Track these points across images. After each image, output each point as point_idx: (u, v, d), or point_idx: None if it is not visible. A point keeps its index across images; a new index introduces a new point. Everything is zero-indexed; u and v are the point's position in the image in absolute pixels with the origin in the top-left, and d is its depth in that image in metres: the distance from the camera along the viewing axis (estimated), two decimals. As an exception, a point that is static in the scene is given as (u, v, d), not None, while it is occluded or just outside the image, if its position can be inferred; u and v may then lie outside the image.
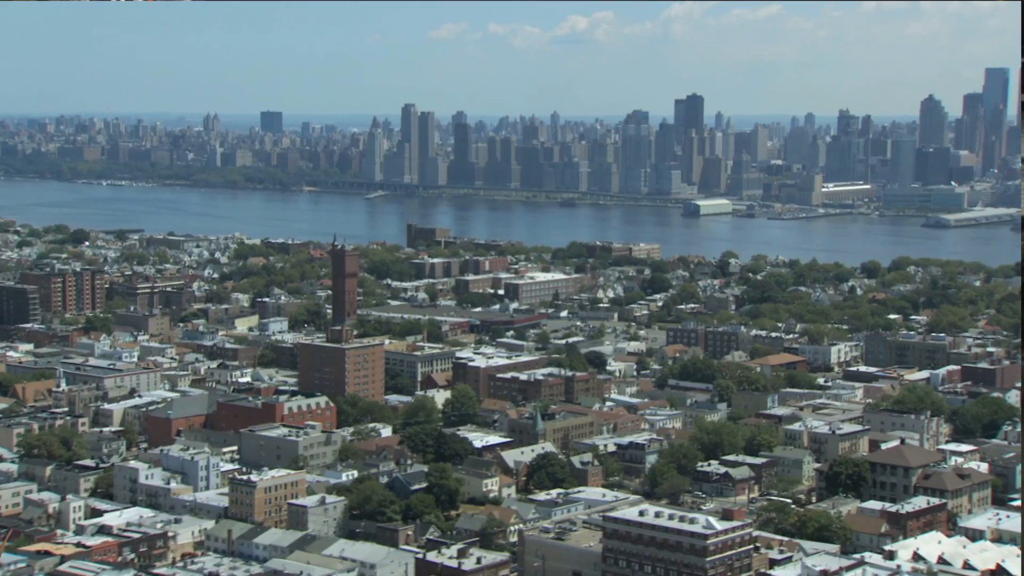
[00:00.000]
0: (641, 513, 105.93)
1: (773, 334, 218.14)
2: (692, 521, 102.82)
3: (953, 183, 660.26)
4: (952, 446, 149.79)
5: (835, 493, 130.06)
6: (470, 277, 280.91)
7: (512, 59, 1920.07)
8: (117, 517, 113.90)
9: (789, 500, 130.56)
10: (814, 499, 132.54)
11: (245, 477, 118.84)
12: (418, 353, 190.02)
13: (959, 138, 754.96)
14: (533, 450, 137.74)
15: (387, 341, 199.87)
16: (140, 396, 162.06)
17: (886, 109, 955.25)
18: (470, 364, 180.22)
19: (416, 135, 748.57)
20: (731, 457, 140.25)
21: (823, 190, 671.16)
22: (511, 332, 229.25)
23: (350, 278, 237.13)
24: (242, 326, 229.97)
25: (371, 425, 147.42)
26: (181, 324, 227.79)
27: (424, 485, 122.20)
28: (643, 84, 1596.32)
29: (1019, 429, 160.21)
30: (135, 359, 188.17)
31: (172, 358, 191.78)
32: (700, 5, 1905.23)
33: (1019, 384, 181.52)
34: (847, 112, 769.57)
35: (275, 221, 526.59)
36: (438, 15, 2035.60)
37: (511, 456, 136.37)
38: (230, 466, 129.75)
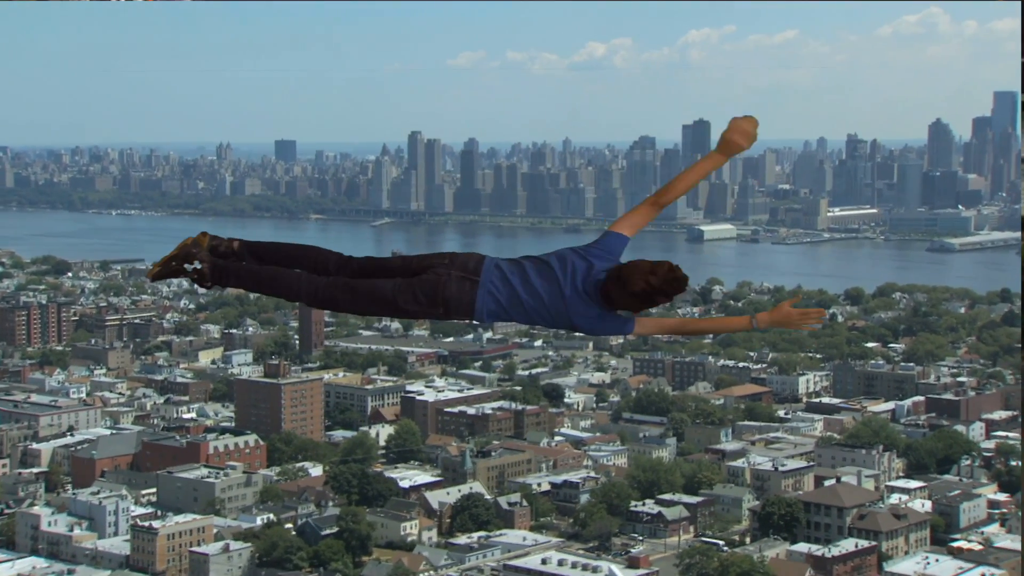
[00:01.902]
0: (544, 561, 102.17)
1: (741, 364, 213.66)
2: (595, 570, 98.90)
3: (960, 207, 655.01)
4: (901, 482, 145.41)
5: (768, 534, 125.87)
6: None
7: (529, 86, 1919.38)
8: (9, 568, 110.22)
9: (721, 542, 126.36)
10: (747, 540, 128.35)
11: (147, 524, 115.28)
12: (369, 387, 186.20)
13: (968, 161, 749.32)
14: (460, 490, 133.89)
15: (341, 374, 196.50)
16: (72, 435, 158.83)
17: (899, 133, 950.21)
18: (418, 398, 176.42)
19: (423, 162, 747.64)
20: (667, 496, 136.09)
21: (829, 214, 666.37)
22: (478, 363, 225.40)
23: (316, 309, 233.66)
24: (206, 359, 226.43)
25: (298, 465, 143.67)
26: (144, 357, 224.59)
27: (335, 530, 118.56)
28: (659, 110, 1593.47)
29: (977, 464, 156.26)
30: (84, 395, 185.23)
31: (120, 393, 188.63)
32: (718, 31, 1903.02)
33: (983, 416, 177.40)
34: (855, 136, 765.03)
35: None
36: (457, 43, 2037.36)
37: (436, 497, 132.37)
38: (143, 510, 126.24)
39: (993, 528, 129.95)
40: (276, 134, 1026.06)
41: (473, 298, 9.10)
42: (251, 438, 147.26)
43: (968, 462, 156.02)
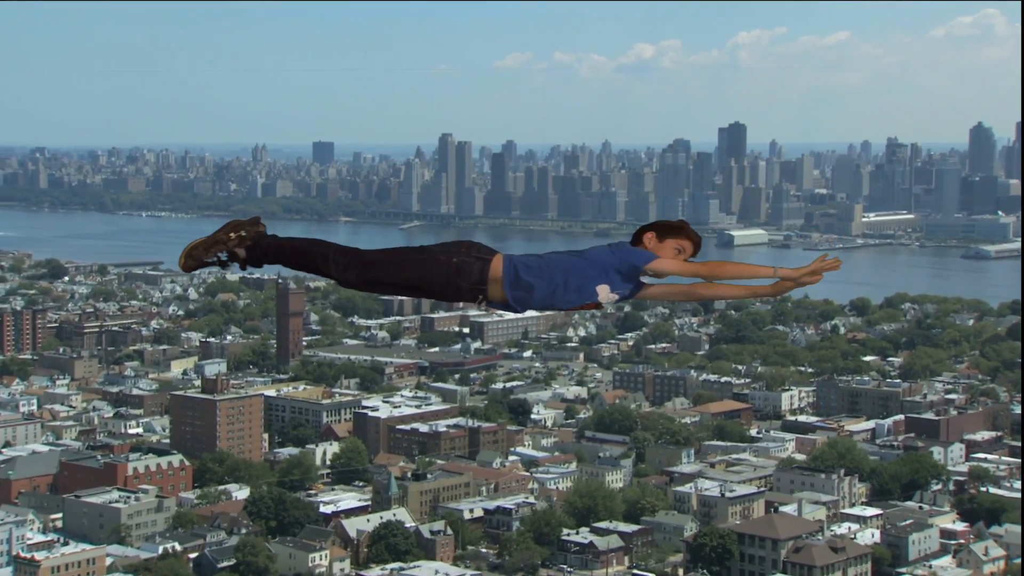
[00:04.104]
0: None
1: (724, 379, 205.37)
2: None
3: (1000, 213, 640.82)
4: (858, 510, 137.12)
5: (699, 568, 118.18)
6: (437, 315, 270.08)
7: (577, 88, 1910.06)
8: None
9: (652, 575, 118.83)
10: (680, 573, 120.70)
11: (29, 556, 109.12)
12: (326, 401, 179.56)
13: (1010, 166, 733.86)
14: (382, 517, 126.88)
15: (302, 387, 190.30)
16: (1, 453, 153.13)
17: (943, 136, 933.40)
18: (370, 414, 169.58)
19: (453, 164, 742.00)
20: (604, 524, 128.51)
21: (864, 220, 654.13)
22: (457, 375, 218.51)
23: (294, 317, 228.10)
24: (178, 368, 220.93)
25: (220, 488, 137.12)
26: (112, 367, 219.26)
27: (232, 562, 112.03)
28: (706, 112, 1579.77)
29: (951, 488, 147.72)
30: (34, 407, 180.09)
31: (71, 406, 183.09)
32: (768, 33, 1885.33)
33: (965, 437, 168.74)
34: (895, 140, 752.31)
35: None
36: (505, 45, 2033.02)
37: (355, 524, 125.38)
38: (43, 537, 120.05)
39: (944, 561, 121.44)
40: (315, 136, 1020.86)
41: (496, 257, 9.39)
42: (176, 458, 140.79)
43: (938, 487, 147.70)
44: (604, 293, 9.50)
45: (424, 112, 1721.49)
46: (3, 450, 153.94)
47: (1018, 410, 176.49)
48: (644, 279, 9.45)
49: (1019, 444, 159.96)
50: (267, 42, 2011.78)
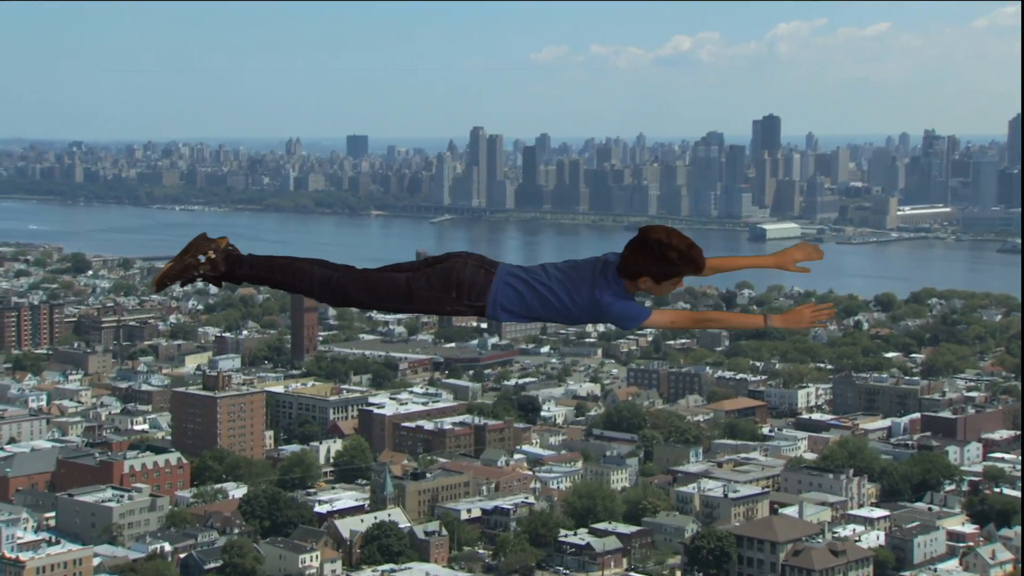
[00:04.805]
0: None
1: (739, 376, 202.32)
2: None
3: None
4: (865, 511, 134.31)
5: (697, 571, 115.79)
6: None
7: (613, 81, 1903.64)
8: None
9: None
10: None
11: (14, 556, 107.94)
12: (333, 398, 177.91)
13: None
14: (377, 517, 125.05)
15: (311, 383, 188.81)
16: (3, 449, 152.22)
17: (985, 128, 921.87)
18: (376, 411, 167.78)
19: (484, 158, 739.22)
20: (602, 525, 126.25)
21: (899, 213, 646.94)
22: (472, 371, 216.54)
23: (309, 312, 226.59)
24: (192, 364, 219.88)
25: (216, 487, 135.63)
26: (126, 362, 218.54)
27: (219, 563, 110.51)
28: (743, 105, 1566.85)
29: (964, 489, 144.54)
30: (44, 403, 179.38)
31: (79, 402, 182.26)
32: (808, 24, 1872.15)
33: (983, 436, 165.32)
34: (932, 132, 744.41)
35: (337, 247, 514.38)
36: (541, 38, 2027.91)
37: (348, 525, 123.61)
38: (34, 537, 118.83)
39: (950, 565, 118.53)
40: (350, 129, 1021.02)
41: (487, 284, 9.23)
42: (173, 456, 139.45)
43: (951, 487, 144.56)
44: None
45: (460, 105, 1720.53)
46: (6, 447, 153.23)
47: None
48: None
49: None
50: (305, 37, 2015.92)
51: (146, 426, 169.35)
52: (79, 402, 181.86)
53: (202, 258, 9.55)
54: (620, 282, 9.12)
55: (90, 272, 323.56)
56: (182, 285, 9.82)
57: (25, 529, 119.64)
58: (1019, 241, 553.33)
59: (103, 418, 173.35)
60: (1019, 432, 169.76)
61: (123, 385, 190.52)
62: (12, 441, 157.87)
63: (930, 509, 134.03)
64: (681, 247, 8.91)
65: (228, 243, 9.69)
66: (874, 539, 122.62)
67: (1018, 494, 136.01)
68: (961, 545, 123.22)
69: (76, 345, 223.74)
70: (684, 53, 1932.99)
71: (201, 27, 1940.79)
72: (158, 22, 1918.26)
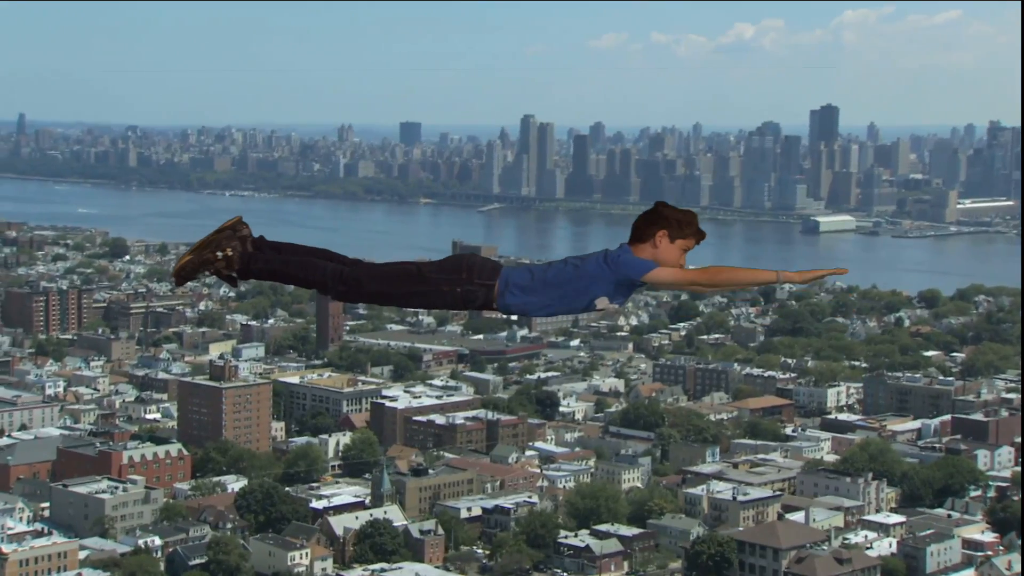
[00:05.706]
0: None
1: (768, 373, 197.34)
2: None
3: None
4: (881, 517, 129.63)
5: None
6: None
7: (673, 69, 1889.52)
8: None
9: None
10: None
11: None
12: (347, 390, 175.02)
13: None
14: (372, 515, 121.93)
15: (327, 374, 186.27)
16: (9, 436, 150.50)
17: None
18: (388, 405, 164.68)
19: (535, 146, 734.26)
20: (604, 527, 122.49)
21: (959, 206, 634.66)
22: (495, 364, 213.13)
23: (334, 302, 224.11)
24: (216, 352, 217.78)
25: (215, 480, 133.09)
26: (149, 349, 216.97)
27: (203, 560, 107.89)
28: (805, 94, 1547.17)
29: (991, 495, 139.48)
30: (60, 389, 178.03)
31: (95, 389, 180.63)
32: (874, 11, 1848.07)
33: (1018, 439, 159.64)
34: (997, 123, 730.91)
35: (383, 235, 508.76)
36: (600, 24, 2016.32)
37: (343, 522, 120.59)
38: (26, 528, 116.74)
39: (965, 574, 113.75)
40: (404, 116, 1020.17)
41: (497, 268, 9.36)
42: (174, 447, 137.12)
43: (977, 493, 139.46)
44: (603, 303, 9.52)
45: (516, 93, 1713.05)
46: (15, 433, 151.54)
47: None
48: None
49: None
50: (362, 23, 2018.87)
51: (158, 415, 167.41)
52: (96, 389, 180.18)
53: (220, 254, 9.48)
54: (629, 249, 9.57)
55: (127, 257, 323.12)
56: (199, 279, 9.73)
57: (20, 519, 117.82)
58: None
59: (116, 406, 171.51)
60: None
61: (141, 373, 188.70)
62: (23, 428, 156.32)
63: (949, 516, 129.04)
64: (678, 210, 9.85)
65: (245, 225, 9.60)
66: (886, 546, 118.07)
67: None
68: (979, 554, 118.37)
69: (101, 331, 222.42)
70: (746, 41, 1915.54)
71: (257, 13, 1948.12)
72: (216, 9, 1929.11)
